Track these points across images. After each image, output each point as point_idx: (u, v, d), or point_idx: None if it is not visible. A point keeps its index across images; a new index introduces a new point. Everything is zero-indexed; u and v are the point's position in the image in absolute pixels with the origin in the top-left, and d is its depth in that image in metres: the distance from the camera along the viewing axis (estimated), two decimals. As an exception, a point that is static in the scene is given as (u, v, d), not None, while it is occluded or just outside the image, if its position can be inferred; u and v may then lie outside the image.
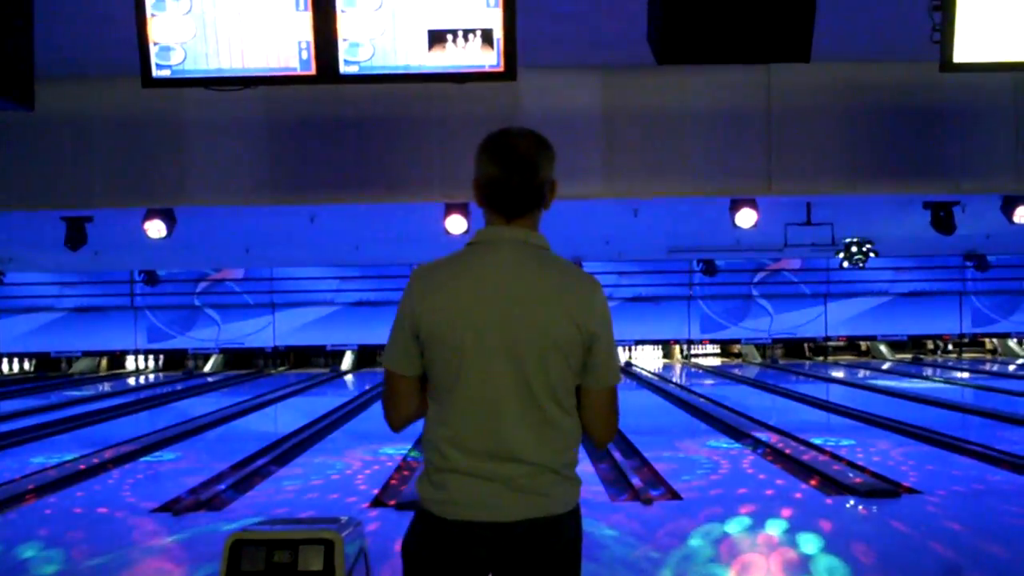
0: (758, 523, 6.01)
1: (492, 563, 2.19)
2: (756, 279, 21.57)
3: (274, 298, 21.12)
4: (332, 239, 13.08)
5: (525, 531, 2.17)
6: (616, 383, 2.28)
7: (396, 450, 9.02)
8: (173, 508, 6.70)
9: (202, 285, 21.17)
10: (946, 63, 4.02)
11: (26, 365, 22.29)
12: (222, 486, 7.63)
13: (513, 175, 2.21)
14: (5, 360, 21.98)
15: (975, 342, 22.72)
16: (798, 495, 7.07)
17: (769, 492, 7.26)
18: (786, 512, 6.34)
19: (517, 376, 2.15)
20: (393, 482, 7.65)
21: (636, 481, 7.37)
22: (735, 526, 5.95)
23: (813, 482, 7.44)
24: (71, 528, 6.28)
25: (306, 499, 7.16)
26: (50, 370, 21.85)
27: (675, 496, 6.98)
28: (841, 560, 5.13)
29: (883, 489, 6.78)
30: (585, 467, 8.36)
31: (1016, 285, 21.45)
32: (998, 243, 15.79)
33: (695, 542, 5.53)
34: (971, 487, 7.50)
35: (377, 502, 6.77)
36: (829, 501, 6.76)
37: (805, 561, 5.17)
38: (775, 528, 5.89)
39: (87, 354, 21.69)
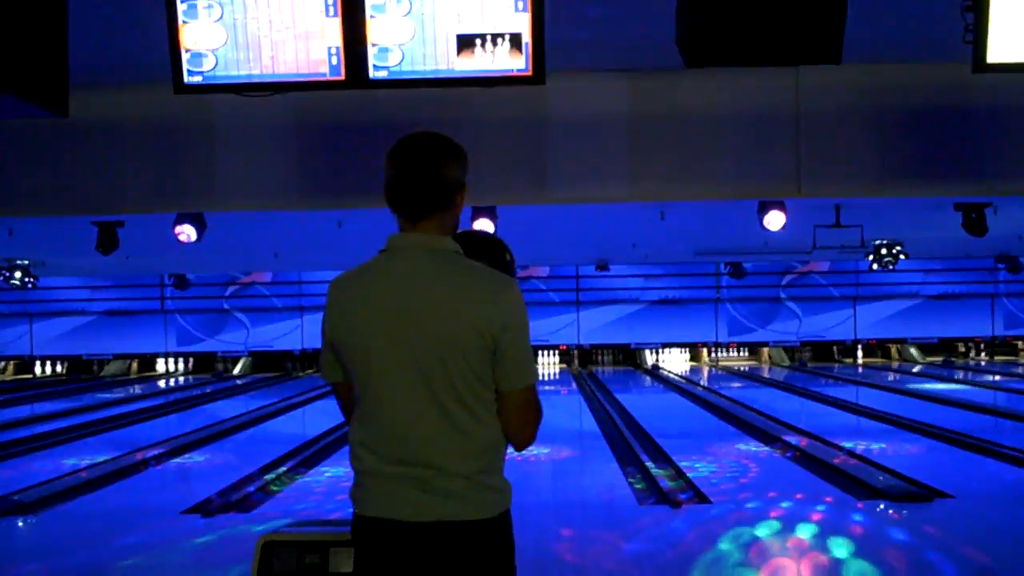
0: (788, 527, 5.98)
1: (406, 565, 2.18)
2: (784, 282, 21.43)
3: (302, 301, 21.26)
4: (359, 243, 13.09)
5: (435, 534, 2.16)
6: (528, 384, 2.23)
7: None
8: (203, 509, 6.76)
9: (231, 289, 21.36)
10: (979, 64, 3.97)
11: (58, 368, 22.57)
12: (251, 488, 7.69)
13: (411, 174, 2.23)
14: (38, 363, 22.27)
15: (1007, 344, 22.43)
16: (828, 499, 7.02)
17: (799, 496, 7.21)
18: (816, 516, 6.29)
19: (422, 382, 2.17)
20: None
21: (664, 485, 7.35)
22: (764, 530, 5.92)
23: (843, 486, 7.38)
24: (103, 529, 6.35)
25: (335, 501, 7.20)
26: (82, 372, 22.10)
27: (704, 500, 6.96)
28: (872, 565, 5.08)
29: (915, 493, 6.72)
30: (613, 470, 8.35)
31: (1049, 287, 21.16)
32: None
33: (724, 546, 5.51)
34: (1005, 492, 7.42)
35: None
36: (860, 505, 6.71)
37: (835, 566, 5.13)
38: (805, 532, 5.85)
39: (118, 357, 21.93)
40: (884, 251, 13.79)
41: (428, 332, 2.17)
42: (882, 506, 6.63)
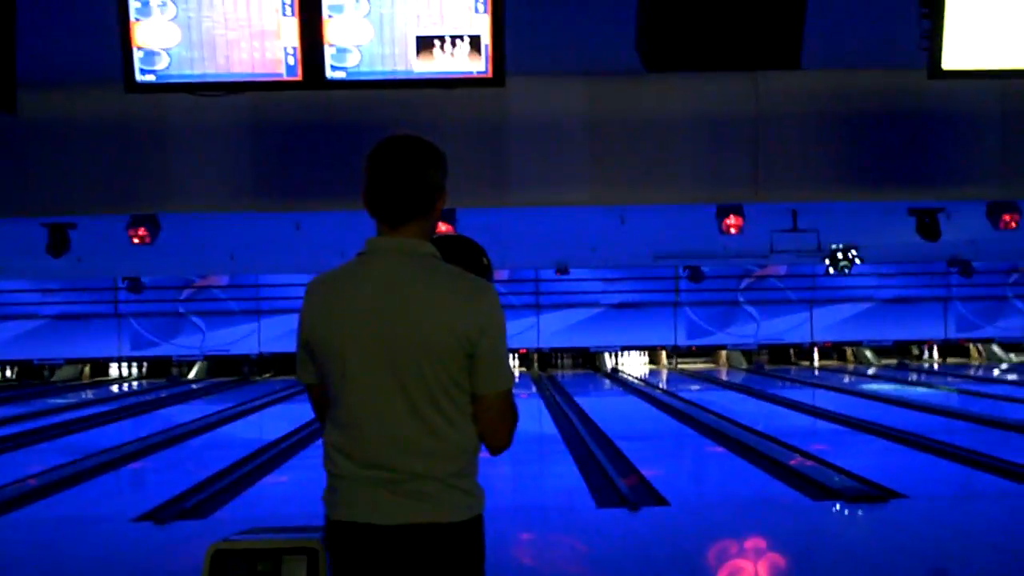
0: (745, 529, 6.00)
1: (378, 568, 2.18)
2: (742, 285, 21.63)
3: (259, 305, 21.03)
4: (317, 246, 13.01)
5: (406, 536, 2.16)
6: (504, 388, 2.23)
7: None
8: (156, 517, 6.64)
9: (187, 292, 21.07)
10: (934, 70, 4.03)
11: (8, 373, 22.10)
12: (206, 494, 7.57)
13: (394, 178, 2.20)
14: (-13, 368, 21.81)
15: (959, 347, 22.85)
16: (785, 500, 7.07)
17: (756, 497, 7.26)
18: (772, 517, 6.33)
19: (397, 385, 2.16)
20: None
21: (623, 487, 7.36)
22: (722, 532, 5.94)
23: (799, 487, 7.45)
24: (52, 537, 6.21)
25: (291, 507, 7.11)
26: (32, 378, 21.66)
27: (662, 502, 6.97)
28: (828, 565, 5.12)
29: (870, 494, 6.79)
30: (572, 473, 8.34)
31: (1000, 291, 21.60)
32: (982, 249, 15.88)
33: (682, 548, 5.51)
34: (957, 491, 7.53)
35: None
36: (816, 506, 6.76)
37: (791, 567, 5.16)
38: (761, 533, 5.88)
39: (70, 362, 21.52)
40: (840, 255, 13.97)
41: (404, 335, 2.15)
42: (837, 507, 6.69)
